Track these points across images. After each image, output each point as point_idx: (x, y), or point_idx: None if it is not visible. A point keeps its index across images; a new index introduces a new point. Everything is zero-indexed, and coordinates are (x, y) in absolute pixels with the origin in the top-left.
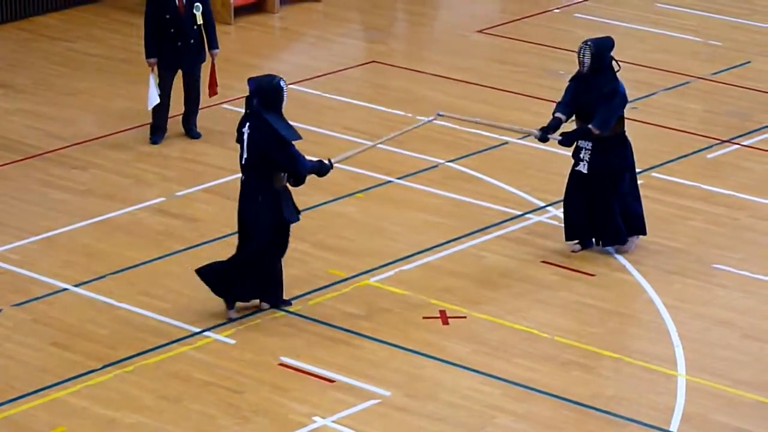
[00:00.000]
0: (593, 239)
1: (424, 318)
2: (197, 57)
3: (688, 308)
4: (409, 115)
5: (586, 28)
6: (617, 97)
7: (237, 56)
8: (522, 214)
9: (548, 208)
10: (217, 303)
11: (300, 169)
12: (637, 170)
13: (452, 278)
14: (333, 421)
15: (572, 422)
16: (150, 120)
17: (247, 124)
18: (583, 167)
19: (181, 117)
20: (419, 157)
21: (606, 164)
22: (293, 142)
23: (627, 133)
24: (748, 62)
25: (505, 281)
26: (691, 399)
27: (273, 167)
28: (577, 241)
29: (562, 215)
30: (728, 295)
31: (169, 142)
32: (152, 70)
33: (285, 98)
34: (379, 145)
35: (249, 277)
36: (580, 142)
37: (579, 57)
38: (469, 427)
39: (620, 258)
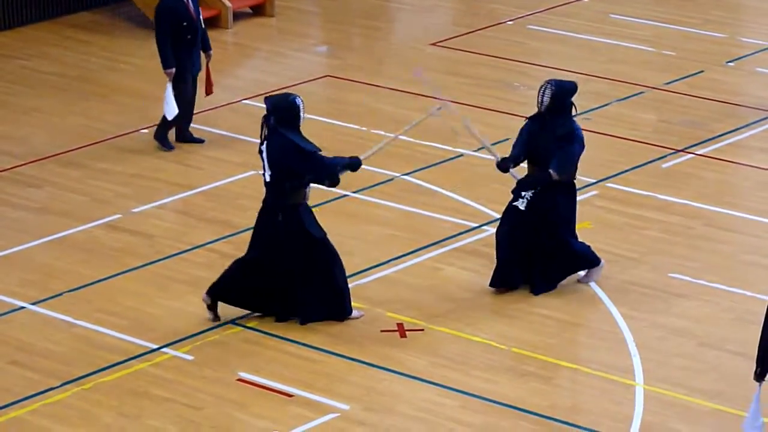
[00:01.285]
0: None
1: (381, 331)
2: (199, 61)
3: (645, 318)
4: (364, 129)
5: (540, 39)
6: (577, 142)
7: None
8: (478, 226)
9: None
10: (175, 320)
11: (331, 171)
12: (593, 180)
13: (409, 291)
14: None
15: None
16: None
17: (266, 142)
18: (521, 204)
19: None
20: (374, 170)
21: (545, 209)
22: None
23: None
24: (701, 71)
25: (462, 293)
26: (649, 408)
27: (296, 183)
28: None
29: None
30: (684, 303)
31: (124, 159)
32: (170, 79)
33: (302, 116)
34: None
35: (312, 295)
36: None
37: (538, 96)
38: None
39: None
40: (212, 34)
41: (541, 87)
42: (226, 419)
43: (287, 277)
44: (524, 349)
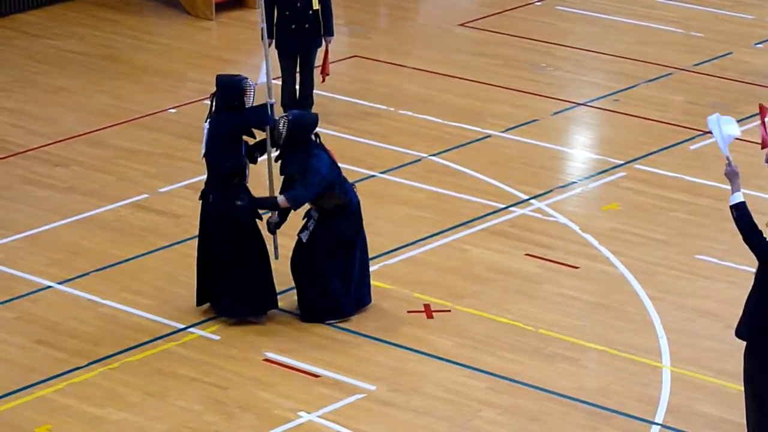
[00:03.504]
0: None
1: (408, 312)
2: (312, 42)
3: (672, 299)
4: (392, 109)
5: (568, 20)
6: (309, 175)
7: (218, 52)
8: (505, 207)
9: (531, 200)
10: None
11: (266, 115)
12: (621, 162)
13: (436, 272)
14: (318, 416)
15: (557, 415)
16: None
17: (208, 120)
18: (304, 236)
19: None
20: (402, 151)
21: (328, 233)
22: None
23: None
24: (730, 53)
25: (489, 274)
26: (675, 390)
27: (232, 163)
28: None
29: (546, 208)
30: (711, 285)
31: (151, 139)
32: (265, 50)
33: (250, 101)
34: (359, 139)
35: (230, 289)
36: (311, 211)
37: (276, 127)
38: (454, 421)
39: (604, 250)
40: (239, 15)
41: (278, 119)
42: (253, 399)
43: (212, 262)
44: (551, 331)
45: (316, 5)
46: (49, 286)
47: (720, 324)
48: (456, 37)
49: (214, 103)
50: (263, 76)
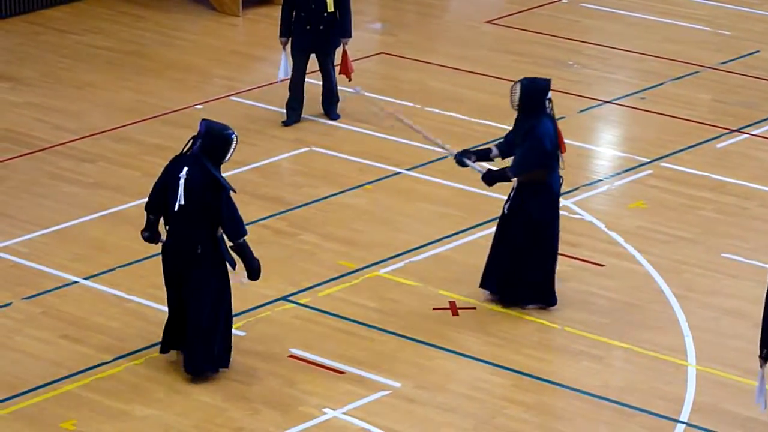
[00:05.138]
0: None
1: (433, 309)
2: (327, 43)
3: (698, 298)
4: (418, 106)
5: (594, 17)
6: (531, 140)
7: (245, 48)
8: None
9: None
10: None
11: (242, 231)
12: (647, 160)
13: (462, 269)
14: (343, 413)
15: (582, 413)
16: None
17: (185, 169)
18: (505, 207)
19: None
20: (428, 148)
21: (521, 210)
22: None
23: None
24: (757, 51)
25: None
26: (701, 389)
27: (212, 214)
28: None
29: (572, 206)
30: (738, 284)
31: (177, 135)
32: (284, 48)
33: (230, 156)
34: (385, 136)
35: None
36: (514, 181)
37: (510, 94)
38: (479, 418)
39: (629, 248)
40: (266, 11)
41: (512, 85)
42: (277, 395)
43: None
44: (576, 329)
45: (330, 8)
46: (75, 282)
47: (746, 323)
48: (482, 34)
49: (190, 147)
50: (282, 73)
